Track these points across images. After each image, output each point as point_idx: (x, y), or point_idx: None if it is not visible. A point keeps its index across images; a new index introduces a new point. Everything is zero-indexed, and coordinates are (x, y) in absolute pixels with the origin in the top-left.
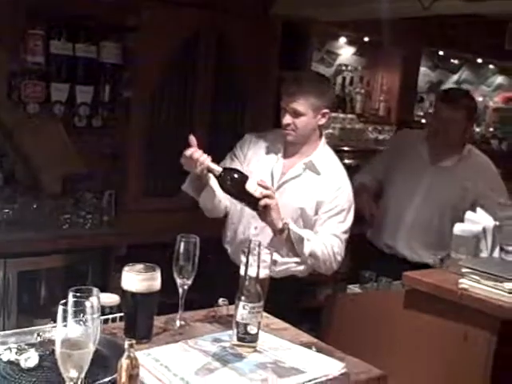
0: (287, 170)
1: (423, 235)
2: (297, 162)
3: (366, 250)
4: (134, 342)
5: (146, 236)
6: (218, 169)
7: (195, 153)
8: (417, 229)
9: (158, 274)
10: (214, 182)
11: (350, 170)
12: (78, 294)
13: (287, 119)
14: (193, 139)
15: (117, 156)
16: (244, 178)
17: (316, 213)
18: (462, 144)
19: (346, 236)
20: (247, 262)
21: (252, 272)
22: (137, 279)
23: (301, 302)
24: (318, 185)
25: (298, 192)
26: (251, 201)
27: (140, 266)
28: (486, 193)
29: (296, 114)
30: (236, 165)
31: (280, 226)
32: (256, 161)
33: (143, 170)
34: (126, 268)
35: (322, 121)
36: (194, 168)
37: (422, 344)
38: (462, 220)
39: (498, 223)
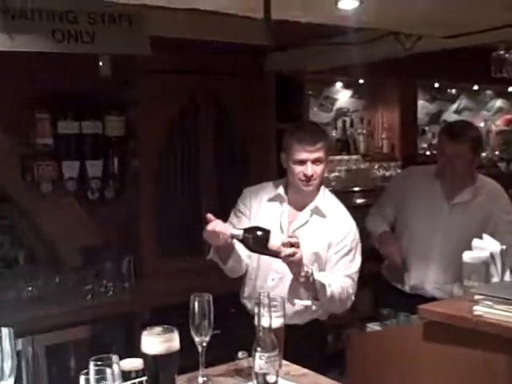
0: (294, 218)
1: (452, 273)
2: (302, 208)
3: (383, 287)
4: None
5: (167, 298)
6: (239, 233)
7: (217, 226)
8: (444, 268)
9: (176, 335)
10: (238, 246)
11: (360, 210)
12: (99, 363)
13: (311, 170)
14: (210, 216)
15: (131, 223)
16: (266, 234)
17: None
18: (472, 175)
19: (357, 275)
20: (259, 312)
21: (265, 322)
22: (155, 342)
23: (326, 346)
24: (326, 227)
25: (309, 237)
26: (277, 255)
27: (158, 329)
28: (502, 217)
29: (318, 162)
30: (243, 221)
31: (303, 274)
32: (262, 214)
33: (156, 234)
34: (144, 332)
35: (328, 164)
36: (218, 240)
37: (444, 374)
38: None
39: (504, 247)
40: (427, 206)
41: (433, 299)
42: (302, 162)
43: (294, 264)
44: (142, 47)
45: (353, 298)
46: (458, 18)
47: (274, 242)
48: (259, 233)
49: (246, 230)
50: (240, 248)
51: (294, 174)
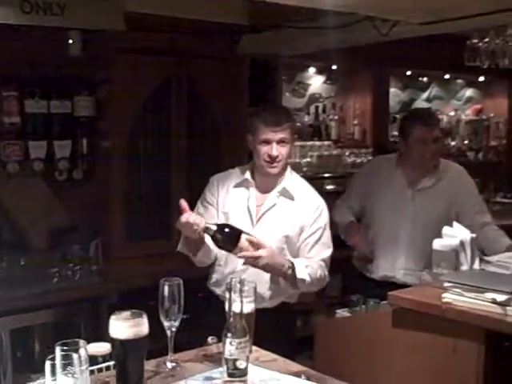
0: (262, 202)
1: (421, 258)
2: (269, 191)
3: (353, 275)
4: None
5: (135, 282)
6: (213, 228)
7: (190, 217)
8: (413, 254)
9: (144, 320)
10: (208, 240)
11: (331, 196)
12: (65, 348)
13: (276, 151)
14: (184, 203)
15: (100, 206)
16: (235, 235)
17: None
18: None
19: (329, 257)
20: (230, 298)
21: (236, 308)
22: (124, 326)
23: (295, 330)
24: (295, 210)
25: (279, 221)
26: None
27: (127, 313)
28: (466, 200)
29: (283, 143)
30: (211, 210)
31: (284, 270)
32: (229, 201)
33: (126, 217)
34: (112, 316)
35: (293, 146)
36: (192, 231)
37: (413, 361)
38: None
39: (474, 235)
40: (391, 195)
41: (404, 286)
42: (267, 143)
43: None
44: (116, 22)
45: (327, 279)
46: (435, 5)
47: (244, 243)
48: (227, 230)
49: (218, 226)
50: (209, 240)
51: (259, 155)
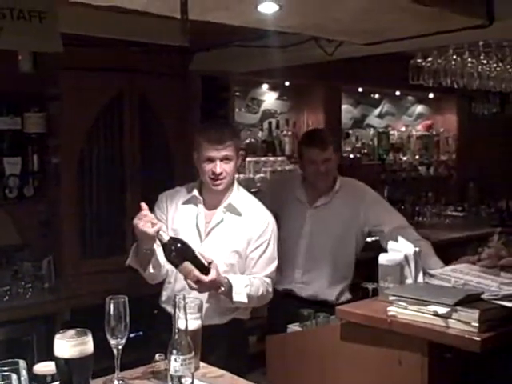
0: (210, 218)
1: (318, 274)
2: (216, 208)
3: None
4: None
5: (89, 299)
6: (165, 237)
7: (149, 218)
8: (310, 268)
9: (89, 338)
10: (159, 252)
11: None
12: (5, 368)
13: (219, 168)
14: (144, 205)
15: (51, 222)
16: (186, 253)
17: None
18: (334, 179)
19: (275, 271)
20: (175, 315)
21: (181, 324)
22: (68, 345)
23: (247, 346)
24: (243, 225)
25: (227, 236)
26: (187, 276)
27: (71, 332)
28: (373, 207)
29: (227, 160)
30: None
31: (225, 293)
32: (178, 217)
33: (78, 233)
34: (57, 335)
35: (239, 162)
36: (145, 232)
37: (361, 373)
38: (355, 249)
39: (417, 249)
40: (292, 214)
41: (301, 298)
42: (211, 160)
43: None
44: (53, 44)
45: (271, 295)
46: (376, 27)
47: (187, 266)
48: (179, 246)
49: (171, 239)
50: (160, 254)
51: (204, 172)
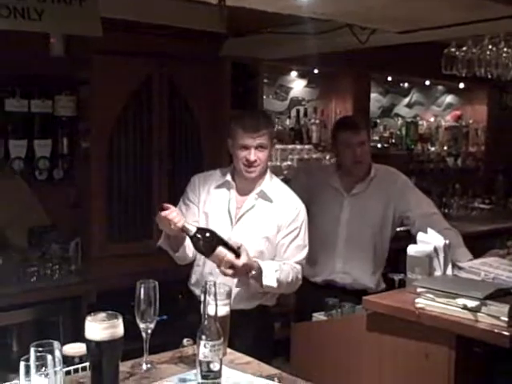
0: (241, 204)
1: (360, 263)
2: (248, 194)
3: None
4: None
5: (115, 282)
6: (192, 229)
7: (170, 213)
8: (351, 257)
9: (120, 321)
10: (188, 240)
11: None
12: (40, 349)
13: (254, 156)
14: (167, 204)
15: (80, 205)
16: (215, 241)
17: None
18: (369, 166)
19: (305, 259)
20: (205, 300)
21: (210, 311)
22: (99, 328)
23: (273, 332)
24: (274, 211)
25: (257, 222)
26: (219, 264)
27: (102, 315)
28: (404, 191)
29: (261, 148)
30: (192, 209)
31: (255, 277)
32: (210, 201)
33: (106, 217)
34: (88, 318)
35: (272, 150)
36: (169, 228)
37: (387, 365)
38: (390, 235)
39: (447, 242)
40: (329, 203)
41: (343, 288)
42: (246, 148)
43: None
44: (93, 28)
45: (300, 282)
46: (411, 15)
47: (221, 251)
48: (208, 235)
49: (198, 229)
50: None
51: (238, 159)
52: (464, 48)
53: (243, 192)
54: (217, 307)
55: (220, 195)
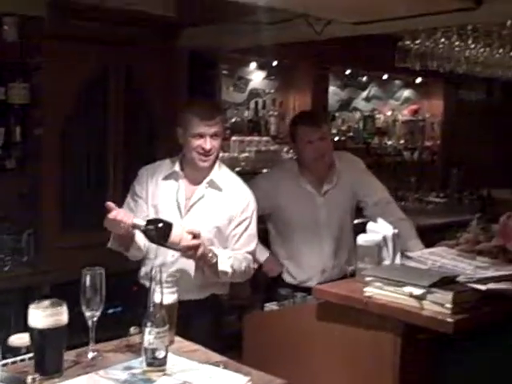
0: (191, 193)
1: (345, 253)
2: (198, 183)
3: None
4: (36, 376)
5: (69, 273)
6: (141, 223)
7: (118, 215)
8: (339, 251)
9: (64, 309)
10: (138, 235)
11: None
12: None
13: (209, 144)
14: (111, 204)
15: (33, 195)
16: (168, 228)
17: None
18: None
19: (256, 248)
20: (150, 288)
21: (156, 298)
22: (43, 315)
23: (224, 322)
24: (224, 201)
25: (208, 212)
26: (177, 249)
27: (46, 303)
28: (366, 189)
29: (216, 137)
30: (141, 204)
31: (211, 262)
32: (158, 193)
33: (59, 207)
34: (31, 305)
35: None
36: (119, 229)
37: (337, 353)
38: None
39: (396, 231)
40: (301, 202)
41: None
42: (201, 136)
43: (194, 258)
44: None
45: (252, 270)
46: (366, 6)
47: (176, 235)
48: (161, 225)
49: (148, 222)
50: (139, 236)
51: (191, 148)
52: (417, 41)
53: (193, 182)
54: (163, 295)
55: (168, 186)
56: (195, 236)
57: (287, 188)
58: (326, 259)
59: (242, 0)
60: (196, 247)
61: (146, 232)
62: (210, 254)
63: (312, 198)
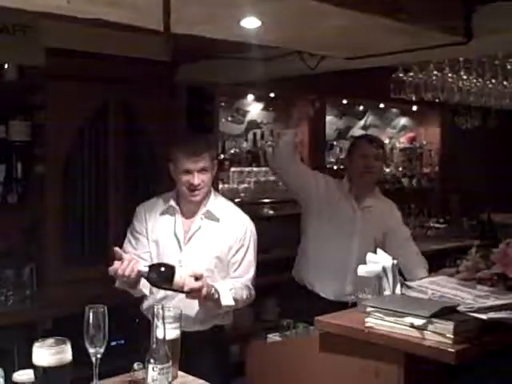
0: (188, 226)
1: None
2: (194, 216)
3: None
4: None
5: (71, 307)
6: (145, 270)
7: (126, 270)
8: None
9: (68, 347)
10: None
11: (271, 221)
12: None
13: (197, 179)
14: (118, 251)
15: (34, 230)
16: (170, 272)
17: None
18: (375, 183)
19: (254, 275)
20: (153, 324)
21: (159, 334)
22: (47, 354)
23: (229, 353)
24: (222, 230)
25: (206, 243)
26: (182, 291)
27: (50, 341)
28: (395, 228)
29: (204, 171)
30: (141, 241)
31: (214, 298)
32: (157, 228)
33: (62, 242)
34: (36, 344)
35: (215, 171)
36: (126, 280)
37: None
38: None
39: (395, 261)
40: (341, 217)
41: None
42: (189, 172)
43: (199, 299)
44: (36, 58)
45: (253, 297)
46: (357, 43)
47: (179, 278)
48: (163, 269)
49: (150, 267)
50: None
51: (181, 183)
52: (411, 73)
53: (189, 215)
54: (165, 330)
55: (166, 221)
56: (197, 278)
57: (336, 196)
58: (349, 275)
59: (233, 38)
60: (199, 289)
61: (149, 279)
62: (212, 291)
63: (352, 211)
